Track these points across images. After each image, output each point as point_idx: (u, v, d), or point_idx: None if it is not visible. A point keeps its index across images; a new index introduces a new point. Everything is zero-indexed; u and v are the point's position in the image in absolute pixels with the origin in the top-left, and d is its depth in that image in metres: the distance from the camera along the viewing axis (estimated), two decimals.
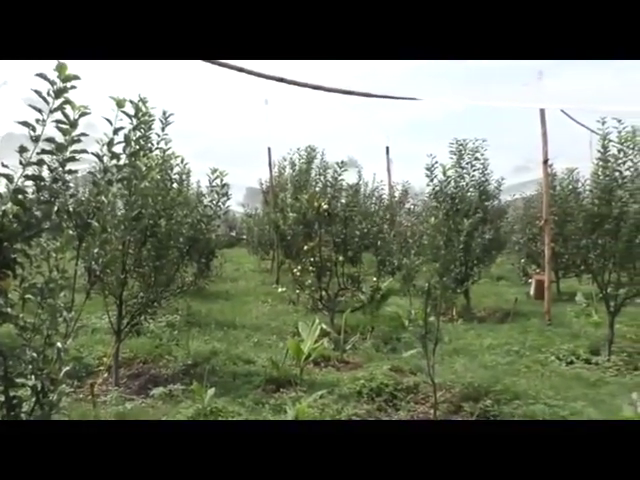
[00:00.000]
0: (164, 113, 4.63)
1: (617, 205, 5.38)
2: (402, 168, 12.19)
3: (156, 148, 4.66)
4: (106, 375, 4.79)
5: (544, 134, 7.27)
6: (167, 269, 4.88)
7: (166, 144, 4.75)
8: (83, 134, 2.07)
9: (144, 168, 4.13)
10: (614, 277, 5.60)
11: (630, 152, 5.32)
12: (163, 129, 4.66)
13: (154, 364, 5.33)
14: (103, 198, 2.40)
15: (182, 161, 4.95)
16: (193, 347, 5.66)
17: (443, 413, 4.10)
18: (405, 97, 6.40)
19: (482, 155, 7.50)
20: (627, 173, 5.39)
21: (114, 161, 2.43)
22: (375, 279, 6.85)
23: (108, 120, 2.46)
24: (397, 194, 12.44)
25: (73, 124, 2.03)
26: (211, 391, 4.01)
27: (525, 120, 7.43)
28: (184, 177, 5.10)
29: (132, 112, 3.71)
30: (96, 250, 2.44)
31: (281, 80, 4.61)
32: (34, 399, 2.01)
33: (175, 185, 4.94)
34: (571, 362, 5.46)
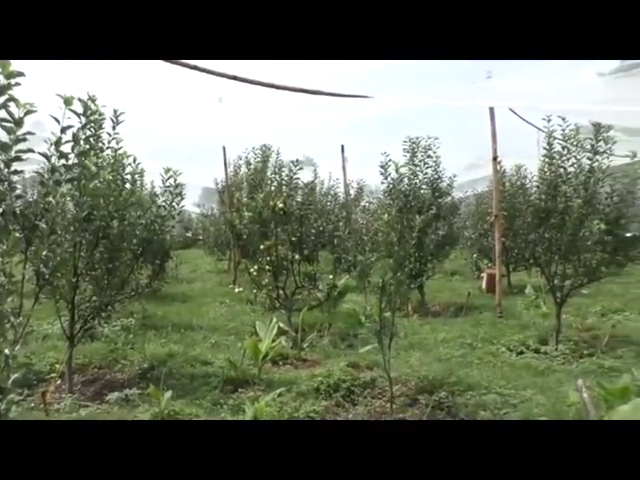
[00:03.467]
0: (115, 112, 4.53)
1: (562, 200, 5.60)
2: (357, 166, 12.29)
3: (107, 147, 4.56)
4: (59, 382, 4.66)
5: (493, 132, 7.48)
6: (121, 271, 4.78)
7: (117, 143, 4.66)
8: (29, 133, 2.02)
9: (94, 168, 4.05)
10: (560, 269, 5.83)
11: (573, 149, 5.54)
12: (114, 128, 4.56)
13: (109, 369, 5.23)
14: (51, 199, 2.35)
15: (134, 161, 4.86)
16: (149, 350, 5.57)
17: (399, 406, 4.18)
18: (358, 95, 6.48)
19: (434, 153, 7.65)
20: (571, 169, 5.61)
21: (62, 161, 2.39)
22: (332, 277, 6.90)
23: (55, 118, 2.41)
24: (352, 192, 12.53)
25: (18, 122, 1.98)
26: (168, 394, 3.96)
27: (476, 118, 7.63)
28: (137, 177, 5.00)
29: (81, 110, 3.62)
30: (45, 253, 2.39)
31: (234, 78, 4.59)
32: None
33: (128, 185, 4.85)
34: (521, 352, 5.65)
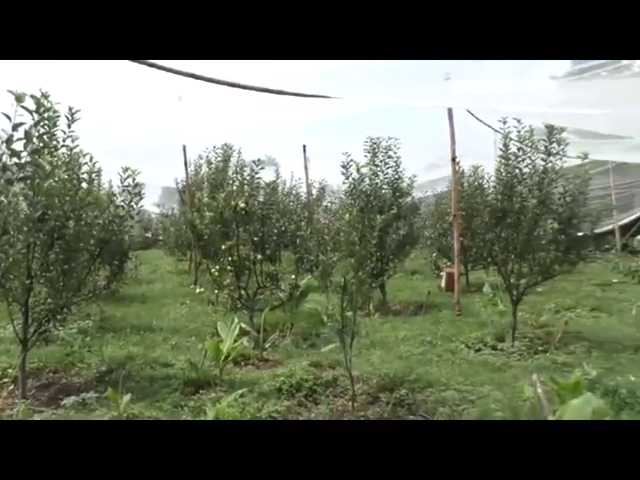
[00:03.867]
0: (70, 109, 4.41)
1: (517, 200, 5.75)
2: (320, 166, 12.34)
3: (62, 146, 4.44)
4: (12, 387, 4.51)
5: (452, 133, 7.63)
6: (77, 273, 4.66)
7: (73, 141, 4.53)
8: None
9: (48, 167, 3.94)
10: (516, 268, 5.99)
11: (528, 150, 5.70)
12: (69, 126, 4.44)
13: (65, 373, 5.10)
14: (3, 198, 2.27)
15: (91, 159, 4.74)
16: (107, 353, 5.46)
17: (361, 405, 4.22)
18: (320, 95, 6.50)
19: (395, 153, 7.73)
20: (526, 170, 5.76)
21: (14, 159, 2.31)
22: (294, 277, 6.91)
23: (6, 116, 2.33)
24: (315, 192, 12.58)
25: None
26: (127, 397, 3.89)
27: (437, 119, 7.76)
28: (94, 176, 4.88)
29: (33, 107, 3.52)
30: None
31: (193, 76, 4.54)
32: None
33: (84, 184, 4.73)
34: (479, 349, 5.78)
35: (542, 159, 5.65)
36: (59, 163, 4.36)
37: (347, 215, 4.24)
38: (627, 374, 3.96)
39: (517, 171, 5.77)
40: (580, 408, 2.69)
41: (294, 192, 10.11)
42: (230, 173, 6.83)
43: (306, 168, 11.06)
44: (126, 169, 4.88)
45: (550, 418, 2.88)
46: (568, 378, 3.62)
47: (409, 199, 8.41)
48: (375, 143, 7.60)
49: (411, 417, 3.98)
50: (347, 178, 7.14)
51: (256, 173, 6.47)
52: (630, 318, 6.91)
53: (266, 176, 6.81)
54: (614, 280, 9.48)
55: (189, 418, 3.91)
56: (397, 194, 7.97)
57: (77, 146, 4.59)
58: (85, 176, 4.73)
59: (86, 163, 4.73)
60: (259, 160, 6.48)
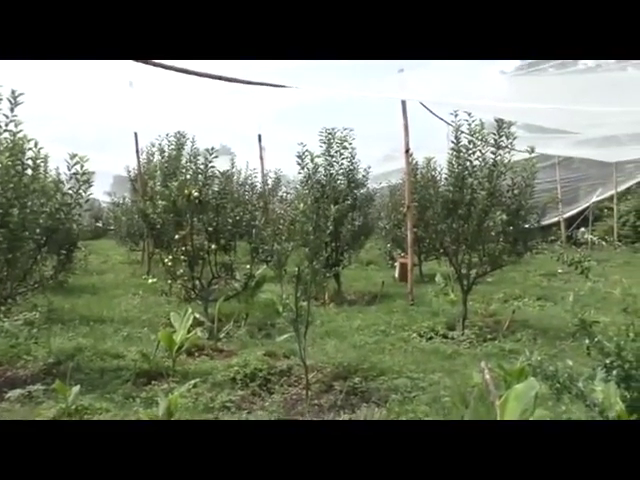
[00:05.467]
0: (13, 92, 4.25)
1: (468, 192, 5.88)
2: (276, 156, 12.29)
3: (4, 130, 4.28)
4: None
5: (405, 125, 7.73)
6: (22, 262, 4.52)
7: (16, 126, 4.37)
8: None
9: None
10: (466, 258, 6.14)
11: (479, 143, 5.82)
12: (12, 110, 4.28)
13: (10, 365, 4.92)
14: None
15: (36, 145, 4.58)
16: (55, 345, 5.31)
17: (315, 393, 4.26)
18: (276, 84, 6.47)
19: (350, 144, 7.78)
20: (476, 162, 5.89)
21: None
22: (249, 266, 6.87)
23: None
24: (270, 182, 12.51)
25: None
26: (76, 389, 3.80)
27: (392, 112, 7.84)
28: (40, 163, 4.72)
29: None
30: None
31: (145, 62, 4.44)
32: None
33: (29, 171, 4.57)
34: (431, 338, 5.92)
35: (492, 152, 5.79)
36: (1, 148, 4.20)
37: (302, 205, 4.25)
38: (567, 360, 4.14)
39: (468, 164, 5.89)
40: (524, 393, 2.80)
41: (249, 182, 10.05)
42: (183, 162, 6.69)
43: (261, 158, 10.99)
44: (74, 155, 4.74)
45: (496, 403, 2.98)
46: (514, 365, 3.76)
47: (364, 190, 8.48)
48: (330, 134, 7.61)
49: (364, 405, 4.05)
50: (302, 168, 7.14)
51: (210, 162, 6.39)
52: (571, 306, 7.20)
53: (221, 165, 6.73)
54: (559, 270, 9.84)
55: (141, 409, 3.85)
56: (352, 185, 8.03)
57: (21, 131, 4.43)
58: (30, 162, 4.56)
59: (31, 149, 4.56)
60: (213, 149, 6.40)
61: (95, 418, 3.67)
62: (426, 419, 3.45)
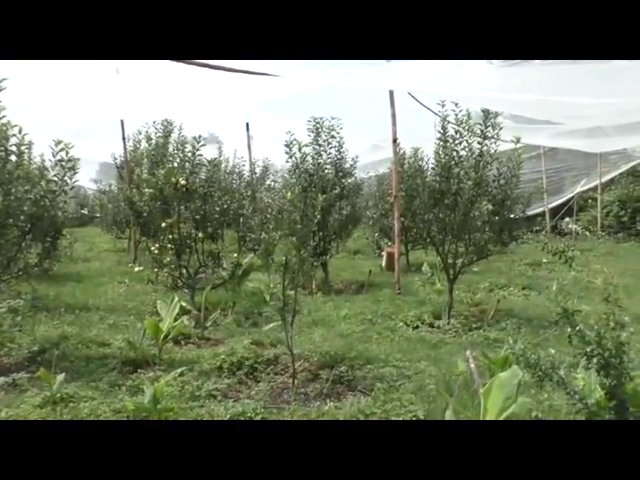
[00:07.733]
0: None
1: (455, 182, 5.91)
2: (264, 145, 12.23)
3: None
4: None
5: (393, 115, 7.73)
6: (6, 250, 4.48)
7: (0, 112, 4.31)
8: None
9: None
10: (453, 248, 6.18)
11: (465, 133, 5.84)
12: None
13: None
14: None
15: (20, 131, 4.52)
16: (40, 333, 5.28)
17: (301, 382, 4.28)
18: (264, 73, 6.43)
19: (338, 134, 7.77)
20: (463, 152, 5.91)
21: None
22: (236, 255, 6.87)
23: None
24: (258, 170, 12.47)
25: None
26: (61, 377, 3.79)
27: (381, 101, 7.82)
28: (24, 149, 4.66)
29: None
30: None
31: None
32: None
33: (13, 157, 4.51)
34: (417, 327, 5.97)
35: (478, 142, 5.81)
36: None
37: (289, 194, 4.25)
38: (550, 348, 4.20)
39: (454, 153, 5.91)
40: (507, 381, 2.85)
41: (237, 170, 9.99)
42: (171, 149, 6.65)
43: (249, 146, 10.94)
44: (59, 142, 4.69)
45: (480, 391, 3.02)
46: (499, 353, 3.81)
47: (352, 179, 8.48)
48: (318, 123, 7.60)
49: (350, 393, 4.08)
50: (290, 157, 7.12)
51: (197, 150, 6.35)
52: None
53: (208, 154, 6.70)
54: (544, 260, 9.94)
55: (127, 397, 3.85)
56: (340, 174, 8.03)
57: (4, 117, 4.37)
58: (14, 149, 4.51)
59: (15, 135, 4.50)
60: (200, 136, 6.36)
61: (80, 406, 3.66)
62: (415, 419, 3.46)
